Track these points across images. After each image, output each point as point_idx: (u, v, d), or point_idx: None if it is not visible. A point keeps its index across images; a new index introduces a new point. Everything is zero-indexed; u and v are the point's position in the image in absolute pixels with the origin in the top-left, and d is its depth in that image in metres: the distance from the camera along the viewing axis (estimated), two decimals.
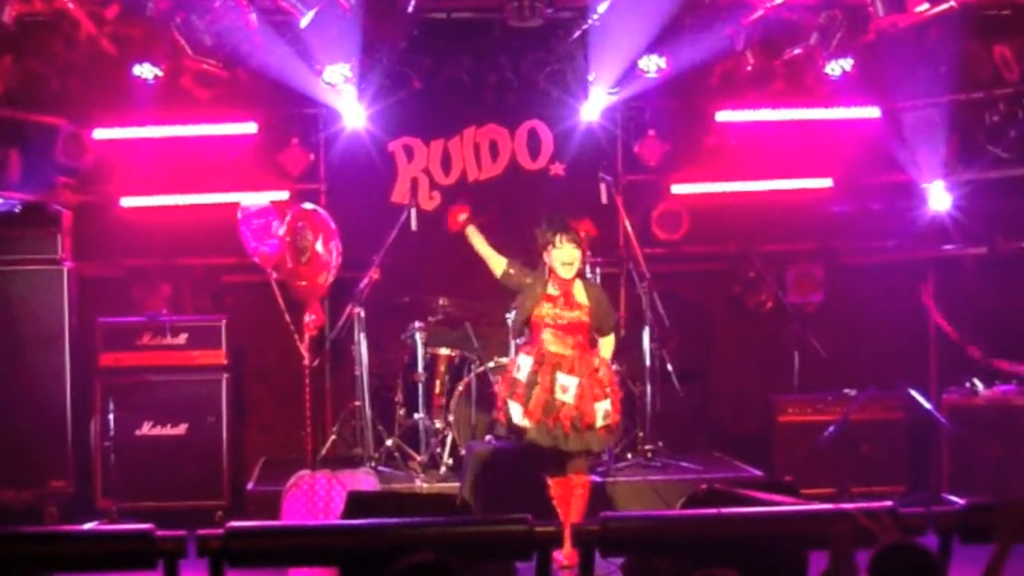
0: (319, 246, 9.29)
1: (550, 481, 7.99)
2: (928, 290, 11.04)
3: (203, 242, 10.69)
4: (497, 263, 8.18)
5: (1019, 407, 9.71)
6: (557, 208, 8.22)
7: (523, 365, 7.94)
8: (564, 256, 7.88)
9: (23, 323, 9.80)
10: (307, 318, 9.30)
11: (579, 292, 8.01)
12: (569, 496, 7.97)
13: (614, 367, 8.34)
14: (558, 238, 7.89)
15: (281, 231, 9.37)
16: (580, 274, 8.14)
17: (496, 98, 10.89)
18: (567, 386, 7.80)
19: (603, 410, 7.90)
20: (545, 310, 7.94)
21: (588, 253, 8.44)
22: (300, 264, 9.26)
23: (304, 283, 9.35)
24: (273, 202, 9.86)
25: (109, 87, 10.01)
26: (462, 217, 8.38)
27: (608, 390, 7.98)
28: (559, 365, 7.86)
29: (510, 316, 9.72)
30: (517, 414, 7.85)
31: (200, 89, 10.20)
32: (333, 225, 9.50)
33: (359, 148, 10.90)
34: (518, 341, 9.01)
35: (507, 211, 11.02)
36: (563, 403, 7.79)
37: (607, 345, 8.20)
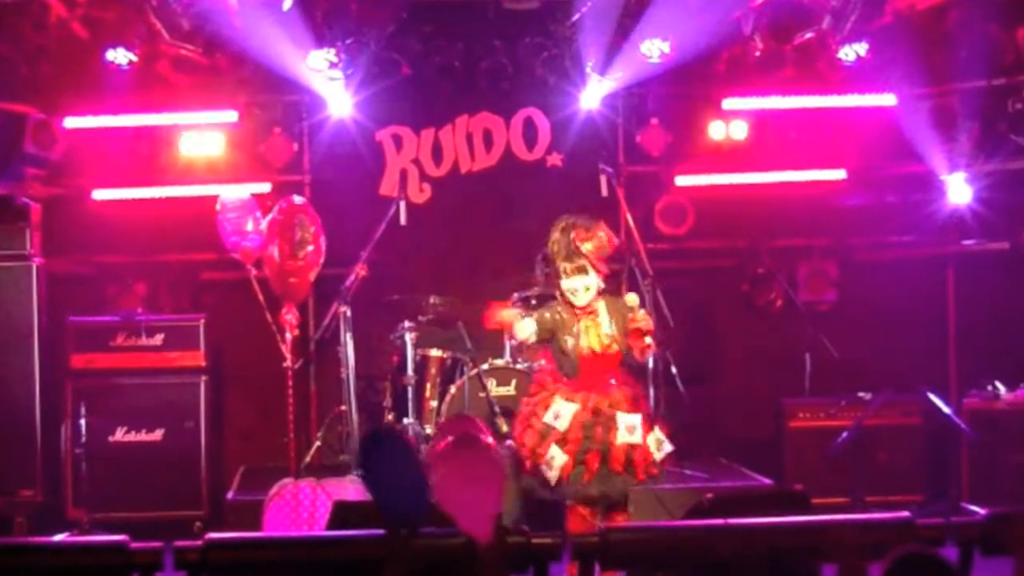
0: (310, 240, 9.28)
1: (579, 508, 7.61)
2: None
3: (180, 237, 10.69)
4: (529, 326, 7.47)
5: None
6: (568, 227, 7.60)
7: (564, 413, 7.36)
8: (572, 286, 7.38)
9: None
10: (288, 316, 9.25)
11: (603, 319, 7.49)
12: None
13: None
14: (563, 267, 7.41)
15: (263, 225, 9.34)
16: (603, 292, 7.55)
17: (490, 85, 10.88)
18: (633, 425, 7.32)
19: (655, 440, 7.65)
20: (581, 345, 7.45)
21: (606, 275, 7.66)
22: (297, 259, 9.20)
23: (294, 280, 9.31)
24: (254, 195, 9.84)
25: (81, 73, 10.01)
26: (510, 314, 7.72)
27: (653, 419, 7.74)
28: (618, 406, 7.39)
29: None
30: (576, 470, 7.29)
31: (177, 75, 10.20)
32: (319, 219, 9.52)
33: (345, 138, 10.91)
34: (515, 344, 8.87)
35: (502, 204, 11.05)
36: (634, 445, 7.33)
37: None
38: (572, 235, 7.39)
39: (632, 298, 7.44)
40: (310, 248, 9.20)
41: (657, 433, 7.49)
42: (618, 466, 7.34)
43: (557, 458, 7.28)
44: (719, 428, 11.14)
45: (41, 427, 9.70)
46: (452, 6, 10.52)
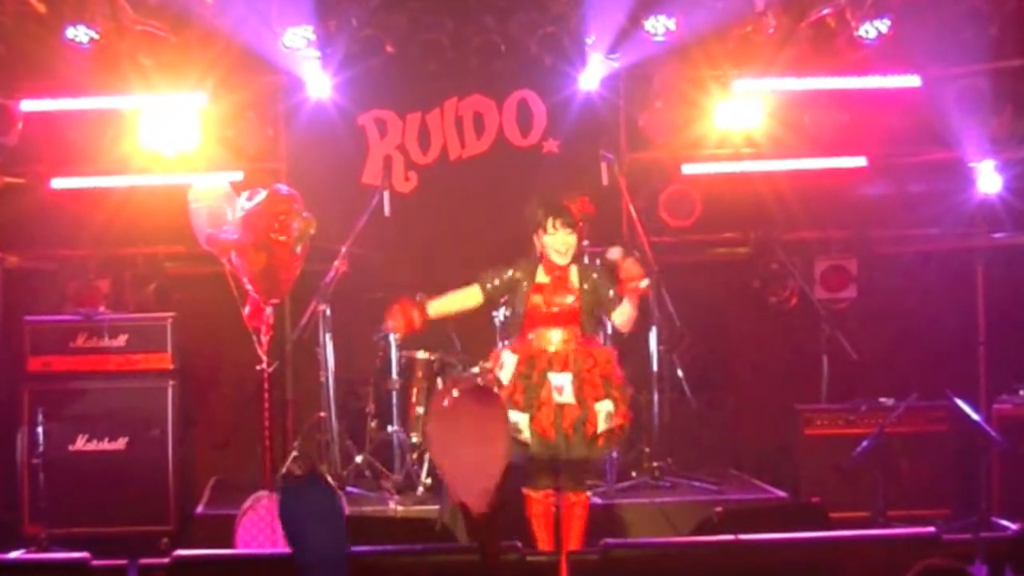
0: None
1: (532, 495, 7.90)
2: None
3: (146, 229, 10.70)
4: (472, 296, 8.12)
5: None
6: (549, 187, 8.12)
7: (507, 363, 7.91)
8: (557, 243, 7.88)
9: None
10: (267, 310, 9.17)
11: (573, 276, 7.99)
12: (570, 518, 7.91)
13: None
14: (551, 222, 7.87)
15: (246, 210, 9.27)
16: (577, 258, 8.06)
17: (481, 65, 10.89)
18: (561, 386, 7.74)
19: (604, 411, 7.81)
20: (533, 300, 7.92)
21: (585, 238, 8.41)
22: (294, 253, 9.13)
23: (284, 274, 9.24)
24: (231, 184, 9.82)
25: (39, 52, 10.00)
26: (415, 315, 8.15)
27: (610, 387, 7.91)
28: (550, 364, 7.83)
29: (497, 315, 9.72)
30: (522, 423, 7.72)
31: (143, 54, 10.18)
32: None
33: (324, 122, 10.91)
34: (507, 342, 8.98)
35: (494, 194, 11.03)
36: (563, 405, 7.71)
37: (621, 314, 7.93)
38: (560, 199, 7.97)
39: (615, 251, 8.32)
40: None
41: (607, 404, 7.78)
42: (547, 427, 7.66)
43: (521, 422, 7.67)
44: (729, 436, 11.16)
45: None
46: None
